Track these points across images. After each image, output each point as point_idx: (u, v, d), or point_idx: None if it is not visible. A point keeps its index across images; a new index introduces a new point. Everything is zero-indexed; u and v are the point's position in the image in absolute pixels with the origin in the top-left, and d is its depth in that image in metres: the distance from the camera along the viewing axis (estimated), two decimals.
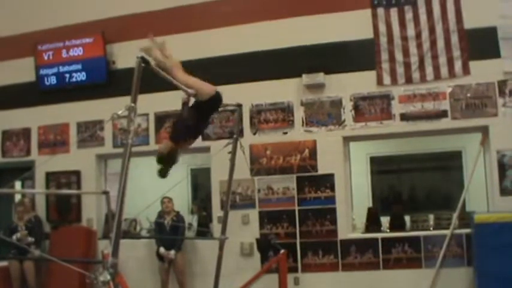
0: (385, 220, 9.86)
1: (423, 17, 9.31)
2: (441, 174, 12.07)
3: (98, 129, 10.58)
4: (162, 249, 9.67)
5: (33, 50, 11.10)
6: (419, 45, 9.28)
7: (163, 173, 6.25)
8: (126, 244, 8.54)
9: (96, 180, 10.82)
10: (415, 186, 12.20)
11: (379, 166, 11.91)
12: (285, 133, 9.82)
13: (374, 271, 9.21)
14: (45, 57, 11.07)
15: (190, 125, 6.12)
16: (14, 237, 9.82)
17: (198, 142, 10.03)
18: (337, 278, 9.34)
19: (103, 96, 10.41)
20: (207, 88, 6.12)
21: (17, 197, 11.16)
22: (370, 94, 9.49)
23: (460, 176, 11.00)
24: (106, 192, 8.95)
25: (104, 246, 9.34)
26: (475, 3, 9.08)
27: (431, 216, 9.58)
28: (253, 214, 9.79)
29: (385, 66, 9.41)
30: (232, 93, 9.08)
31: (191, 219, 11.65)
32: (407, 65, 9.30)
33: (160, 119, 10.42)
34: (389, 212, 10.10)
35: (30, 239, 10.02)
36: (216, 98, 6.17)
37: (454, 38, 9.17)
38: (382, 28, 9.46)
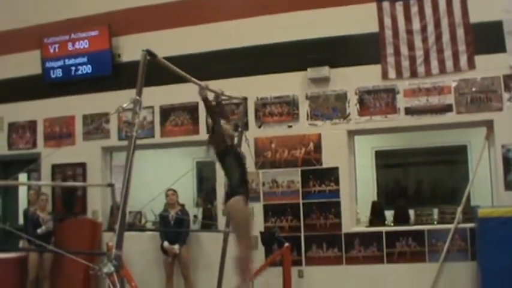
0: (389, 214, 9.86)
1: (428, 11, 9.27)
2: (446, 169, 12.07)
3: (103, 122, 10.62)
4: (166, 244, 9.69)
5: (39, 43, 11.13)
6: (424, 39, 9.25)
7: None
8: (131, 237, 8.56)
9: (102, 172, 10.87)
10: (420, 180, 12.21)
11: (384, 160, 11.92)
12: (290, 126, 9.82)
13: (378, 265, 9.22)
14: (51, 50, 11.10)
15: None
16: (39, 230, 9.82)
17: (203, 135, 10.16)
18: (341, 272, 9.36)
19: (109, 89, 10.45)
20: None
21: (21, 189, 11.19)
22: (375, 88, 9.48)
23: (465, 170, 11.00)
24: (111, 185, 9.03)
25: (109, 239, 9.38)
26: None
27: (435, 210, 9.56)
28: (258, 207, 9.80)
29: (390, 60, 9.40)
30: (237, 87, 9.14)
31: (196, 212, 11.69)
32: (412, 59, 9.28)
33: (166, 111, 10.45)
34: (394, 206, 10.09)
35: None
36: None
37: (460, 32, 9.13)
38: (388, 22, 9.44)
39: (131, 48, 10.11)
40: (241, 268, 6.35)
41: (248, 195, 6.43)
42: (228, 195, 6.34)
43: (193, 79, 6.25)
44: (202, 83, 6.36)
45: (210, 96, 6.75)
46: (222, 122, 6.60)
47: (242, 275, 6.35)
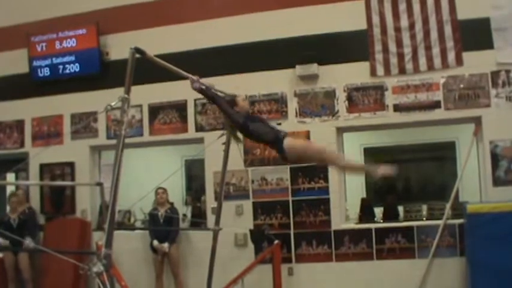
0: (378, 210, 9.90)
1: (416, 8, 9.29)
2: (435, 165, 12.12)
3: (91, 121, 10.57)
4: (155, 242, 9.66)
5: (26, 42, 11.03)
6: (412, 36, 9.27)
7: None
8: (121, 236, 8.59)
9: (90, 171, 10.80)
10: (409, 177, 12.24)
11: (373, 157, 11.93)
12: (279, 124, 9.79)
13: (367, 261, 9.23)
14: (39, 49, 11.01)
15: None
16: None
17: (192, 133, 10.16)
18: (330, 269, 9.37)
19: (97, 88, 10.39)
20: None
21: (8, 189, 11.14)
22: (364, 85, 9.49)
23: (453, 166, 11.06)
24: (100, 184, 8.98)
25: (98, 238, 9.36)
26: None
27: (424, 207, 9.61)
28: (247, 205, 9.80)
29: (379, 57, 9.41)
30: (226, 84, 9.11)
31: (185, 211, 11.67)
32: (400, 56, 9.30)
33: (154, 110, 10.41)
34: (383, 203, 10.14)
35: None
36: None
37: (448, 29, 9.16)
38: (376, 19, 9.45)
39: (119, 46, 10.08)
40: (335, 157, 6.40)
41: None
42: (275, 144, 6.23)
43: (184, 72, 6.21)
44: (194, 76, 6.29)
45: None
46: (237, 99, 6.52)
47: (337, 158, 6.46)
